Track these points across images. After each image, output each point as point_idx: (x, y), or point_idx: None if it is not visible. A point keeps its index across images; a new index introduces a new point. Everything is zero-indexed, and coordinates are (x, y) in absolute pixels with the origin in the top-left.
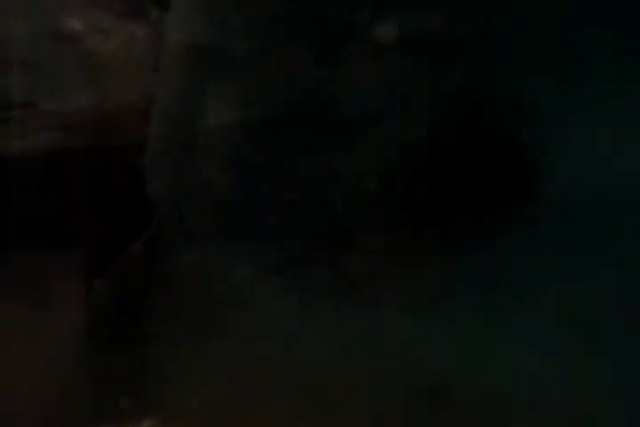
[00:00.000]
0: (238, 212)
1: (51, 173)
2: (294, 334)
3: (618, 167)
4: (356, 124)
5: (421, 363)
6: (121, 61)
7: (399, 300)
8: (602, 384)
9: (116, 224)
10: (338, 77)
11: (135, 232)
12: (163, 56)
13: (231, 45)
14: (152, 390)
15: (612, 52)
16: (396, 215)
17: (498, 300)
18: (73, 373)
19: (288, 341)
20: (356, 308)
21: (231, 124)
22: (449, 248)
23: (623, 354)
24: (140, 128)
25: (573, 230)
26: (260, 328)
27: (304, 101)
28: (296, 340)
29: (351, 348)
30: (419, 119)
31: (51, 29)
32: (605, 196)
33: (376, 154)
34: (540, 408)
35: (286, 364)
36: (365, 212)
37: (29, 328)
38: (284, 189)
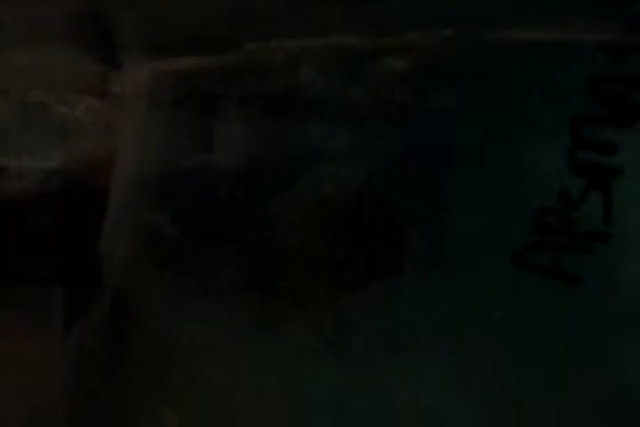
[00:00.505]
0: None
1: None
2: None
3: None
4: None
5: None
6: (86, 127)
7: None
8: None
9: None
10: None
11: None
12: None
13: None
14: None
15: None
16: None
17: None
18: None
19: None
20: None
21: (188, 178)
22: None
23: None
24: (106, 183)
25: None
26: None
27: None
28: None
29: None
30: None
31: (26, 102)
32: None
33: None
34: None
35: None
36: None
37: None
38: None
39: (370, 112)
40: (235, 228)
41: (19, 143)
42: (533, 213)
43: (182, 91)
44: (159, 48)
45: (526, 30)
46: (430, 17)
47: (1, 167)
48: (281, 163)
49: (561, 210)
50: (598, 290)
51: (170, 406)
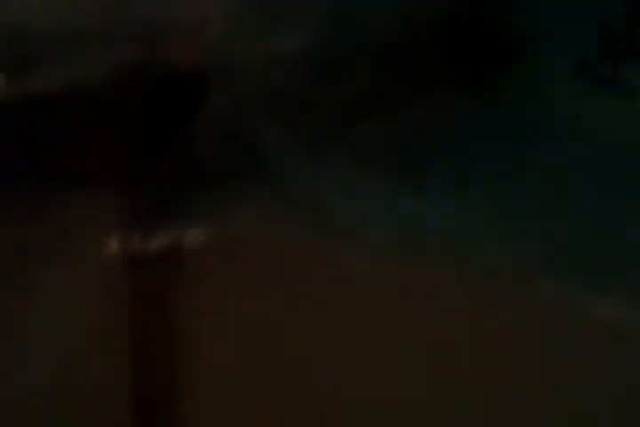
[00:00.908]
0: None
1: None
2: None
3: None
4: None
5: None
6: None
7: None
8: None
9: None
10: None
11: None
12: None
13: None
14: None
15: None
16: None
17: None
18: None
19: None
20: None
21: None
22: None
23: None
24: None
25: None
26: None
27: None
28: None
29: None
30: None
31: None
32: None
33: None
34: None
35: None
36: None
37: None
38: None
39: None
40: None
41: None
42: (599, 27)
43: None
44: None
45: None
46: None
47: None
48: None
49: (626, 28)
50: None
51: None
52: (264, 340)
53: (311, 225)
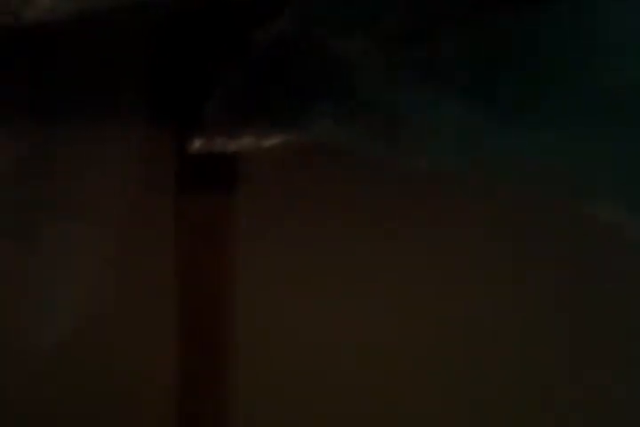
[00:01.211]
0: None
1: None
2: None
3: None
4: None
5: None
6: None
7: None
8: None
9: None
10: None
11: None
12: None
13: None
14: None
15: None
16: None
17: None
18: None
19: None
20: None
21: None
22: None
23: None
24: None
25: None
26: None
27: None
28: None
29: None
30: None
31: None
32: None
33: None
34: None
35: None
36: None
37: None
38: None
39: None
40: None
41: None
42: None
43: None
44: None
45: None
46: None
47: None
48: None
49: None
50: None
51: None
52: (320, 262)
53: (382, 136)
